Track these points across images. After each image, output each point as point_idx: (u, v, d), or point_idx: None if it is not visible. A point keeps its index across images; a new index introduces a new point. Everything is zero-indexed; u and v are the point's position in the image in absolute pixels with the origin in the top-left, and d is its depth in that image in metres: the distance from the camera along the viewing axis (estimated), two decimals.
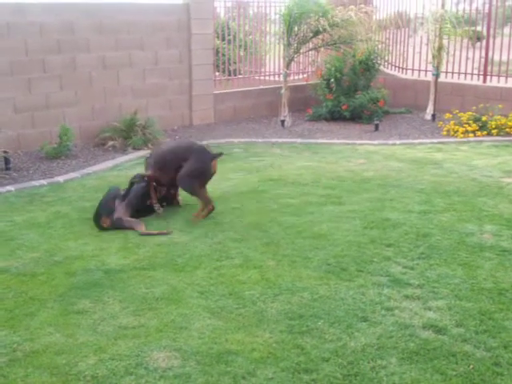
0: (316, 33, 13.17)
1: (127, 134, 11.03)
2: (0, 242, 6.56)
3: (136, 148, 10.69)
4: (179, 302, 5.10)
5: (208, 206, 7.19)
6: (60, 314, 4.94)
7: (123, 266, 5.84)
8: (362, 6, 13.65)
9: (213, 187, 8.37)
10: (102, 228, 6.91)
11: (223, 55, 14.29)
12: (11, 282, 5.57)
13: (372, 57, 13.86)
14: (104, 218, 6.93)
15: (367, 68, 13.74)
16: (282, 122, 13.03)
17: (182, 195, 7.70)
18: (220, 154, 7.37)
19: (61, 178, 8.99)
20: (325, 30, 12.80)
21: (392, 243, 6.31)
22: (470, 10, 14.54)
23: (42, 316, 4.91)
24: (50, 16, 10.76)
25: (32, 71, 10.65)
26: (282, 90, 13.33)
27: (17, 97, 10.54)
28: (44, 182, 8.83)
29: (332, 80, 13.60)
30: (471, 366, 4.13)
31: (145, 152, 10.45)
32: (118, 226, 6.92)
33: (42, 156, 10.21)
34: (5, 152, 9.51)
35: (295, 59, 14.12)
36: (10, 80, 10.40)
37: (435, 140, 11.55)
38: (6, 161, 9.47)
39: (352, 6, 13.21)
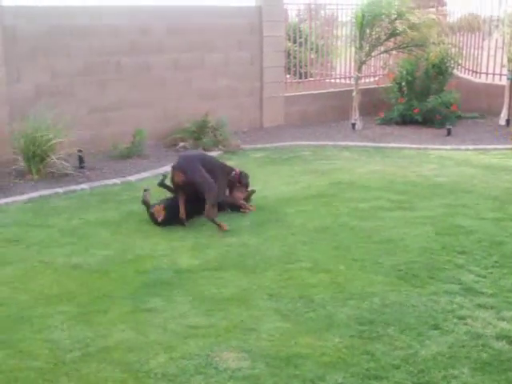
0: (391, 35, 13.03)
1: (198, 136, 11.15)
2: (74, 239, 6.72)
3: (206, 149, 10.76)
4: (249, 303, 5.11)
5: None
6: (131, 311, 5.02)
7: (193, 266, 5.89)
8: (440, 8, 13.45)
9: (282, 190, 8.44)
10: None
11: (294, 58, 14.28)
12: (84, 278, 5.69)
13: (445, 60, 13.60)
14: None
15: (440, 72, 13.50)
16: (353, 125, 12.95)
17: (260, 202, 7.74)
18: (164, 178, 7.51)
19: (133, 178, 9.16)
20: (404, 31, 12.63)
21: (464, 251, 6.19)
22: None
23: (114, 313, 5.00)
24: (125, 19, 10.98)
25: (106, 72, 10.88)
26: (353, 93, 13.24)
27: (91, 97, 10.78)
28: (117, 180, 9.00)
29: (404, 83, 13.46)
30: None
31: (215, 153, 10.55)
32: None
33: (114, 155, 10.40)
34: (79, 151, 9.73)
35: (366, 62, 14.00)
36: (85, 81, 10.65)
37: (509, 146, 11.28)
38: (81, 160, 9.69)
39: (431, 9, 13.02)
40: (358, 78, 13.37)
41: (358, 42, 13.21)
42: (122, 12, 10.97)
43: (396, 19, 12.79)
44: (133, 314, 4.97)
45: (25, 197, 8.20)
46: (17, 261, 6.11)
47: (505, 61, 13.48)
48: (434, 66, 13.40)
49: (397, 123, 13.40)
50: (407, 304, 5.05)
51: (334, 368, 4.15)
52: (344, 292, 5.28)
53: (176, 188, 7.20)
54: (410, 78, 13.38)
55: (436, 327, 4.69)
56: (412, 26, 12.68)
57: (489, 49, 14.68)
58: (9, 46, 9.80)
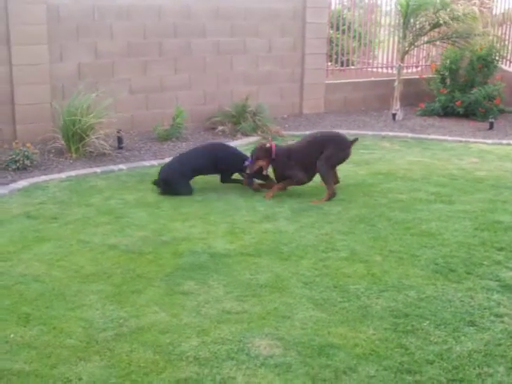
0: (434, 26, 12.82)
1: (237, 120, 11.12)
2: (111, 219, 6.75)
3: (245, 134, 10.76)
4: (283, 290, 5.09)
5: (330, 192, 7.48)
6: (166, 293, 5.03)
7: (229, 251, 5.88)
8: (486, 0, 13.20)
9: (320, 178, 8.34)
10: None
11: (336, 45, 14.16)
12: (120, 258, 5.71)
13: (491, 52, 13.31)
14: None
15: (485, 64, 13.24)
16: (393, 115, 12.80)
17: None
18: (355, 140, 7.81)
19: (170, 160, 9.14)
20: (446, 23, 12.43)
21: (503, 247, 6.07)
22: None
23: (149, 294, 5.01)
24: (168, 0, 10.95)
25: (148, 54, 10.89)
26: (395, 83, 13.08)
27: (133, 78, 10.80)
28: (154, 162, 9.03)
29: (447, 74, 13.25)
30: None
31: (254, 138, 10.51)
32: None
33: (153, 137, 10.43)
34: (118, 131, 9.77)
35: (409, 52, 13.81)
36: (127, 61, 10.67)
37: None
38: (119, 140, 9.74)
39: (475, 0, 12.81)
40: (400, 68, 13.20)
41: (401, 31, 13.03)
42: None
43: (440, 9, 12.58)
44: (167, 296, 4.99)
45: (63, 175, 8.27)
46: (54, 238, 6.17)
47: None
48: (479, 57, 13.16)
49: (438, 115, 13.21)
50: (443, 299, 4.99)
51: (366, 360, 4.11)
52: (379, 283, 5.23)
53: (336, 163, 7.77)
54: (453, 67, 13.13)
55: (472, 324, 4.61)
56: (456, 18, 12.46)
57: None
58: (53, 24, 9.84)
